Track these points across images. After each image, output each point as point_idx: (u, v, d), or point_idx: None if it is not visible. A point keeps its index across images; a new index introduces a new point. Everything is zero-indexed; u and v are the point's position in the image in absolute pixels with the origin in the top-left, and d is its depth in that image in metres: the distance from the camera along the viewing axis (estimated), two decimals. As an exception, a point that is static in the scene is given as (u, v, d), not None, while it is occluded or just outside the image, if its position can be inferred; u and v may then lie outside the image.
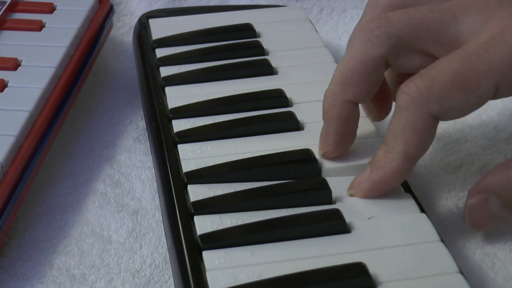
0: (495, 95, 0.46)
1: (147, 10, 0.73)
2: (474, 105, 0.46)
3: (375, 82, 0.49)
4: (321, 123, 0.51)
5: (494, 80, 0.45)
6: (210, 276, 0.42)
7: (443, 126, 0.59)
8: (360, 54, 0.48)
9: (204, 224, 0.46)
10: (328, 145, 0.50)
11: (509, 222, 0.50)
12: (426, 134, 0.46)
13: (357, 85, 0.49)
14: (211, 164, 0.50)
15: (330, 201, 0.47)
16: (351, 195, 0.48)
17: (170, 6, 0.77)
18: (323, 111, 0.50)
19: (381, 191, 0.47)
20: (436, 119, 0.46)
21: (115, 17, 0.73)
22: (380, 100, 0.54)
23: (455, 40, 0.47)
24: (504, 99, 0.61)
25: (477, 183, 0.47)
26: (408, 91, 0.45)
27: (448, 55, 0.46)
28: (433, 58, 0.48)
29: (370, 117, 0.54)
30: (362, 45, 0.48)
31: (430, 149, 0.57)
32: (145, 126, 0.60)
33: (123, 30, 0.75)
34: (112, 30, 0.71)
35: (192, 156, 0.51)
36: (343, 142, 0.50)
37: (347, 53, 0.49)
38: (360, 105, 0.51)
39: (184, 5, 0.77)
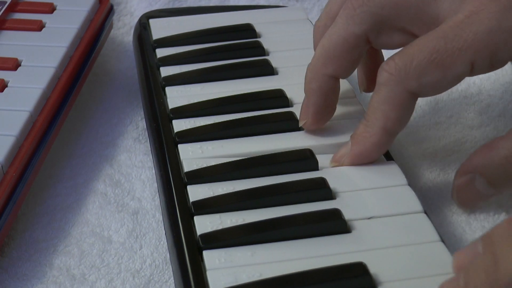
0: (471, 72, 0.48)
1: (147, 10, 0.73)
2: (451, 82, 0.48)
3: (356, 59, 0.51)
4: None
5: (469, 57, 0.47)
6: (210, 276, 0.42)
7: (443, 127, 0.59)
8: (343, 31, 0.51)
9: (204, 224, 0.46)
10: (308, 116, 0.52)
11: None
12: (404, 109, 0.48)
13: (338, 60, 0.51)
14: (212, 164, 0.50)
15: (330, 199, 0.47)
16: (332, 166, 0.50)
17: (170, 6, 0.77)
18: (304, 84, 0.52)
19: (362, 163, 0.50)
20: (414, 95, 0.48)
21: (115, 17, 0.73)
22: (372, 73, 0.56)
23: (435, 19, 0.49)
24: (504, 100, 0.61)
25: (463, 164, 0.49)
26: (388, 68, 0.48)
27: (427, 34, 0.48)
28: (413, 36, 0.50)
29: (360, 88, 0.58)
30: (344, 22, 0.51)
31: (430, 149, 0.57)
32: (145, 126, 0.60)
33: (123, 30, 0.75)
34: (112, 30, 0.71)
35: (193, 156, 0.51)
36: (322, 114, 0.52)
37: (330, 29, 0.51)
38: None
39: (184, 5, 0.77)
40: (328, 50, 0.51)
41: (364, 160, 0.50)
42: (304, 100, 0.53)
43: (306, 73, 0.52)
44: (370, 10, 0.50)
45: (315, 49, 0.55)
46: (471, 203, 0.50)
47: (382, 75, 0.48)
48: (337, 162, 0.50)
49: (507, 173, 0.48)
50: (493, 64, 0.48)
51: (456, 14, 0.48)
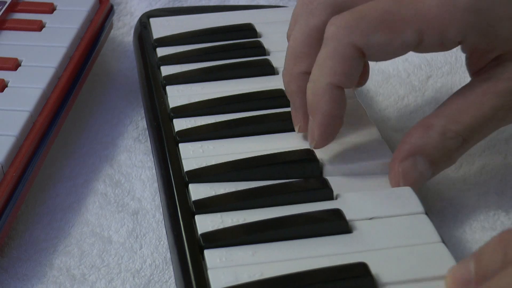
0: (420, 46, 0.47)
1: (147, 10, 0.73)
2: (398, 49, 0.47)
3: None
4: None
5: (418, 26, 0.47)
6: (211, 275, 0.42)
7: (443, 127, 0.59)
8: (305, 27, 0.51)
9: (205, 223, 0.46)
10: (300, 120, 0.51)
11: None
12: (350, 63, 0.47)
13: (308, 56, 0.50)
14: (213, 163, 0.50)
15: (331, 200, 0.47)
16: (314, 147, 0.49)
17: (170, 6, 0.77)
18: (285, 88, 0.52)
19: (333, 129, 0.49)
20: (360, 52, 0.47)
21: (115, 17, 0.73)
22: None
23: None
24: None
25: (402, 149, 0.49)
26: (336, 22, 0.48)
27: None
28: None
29: None
30: (304, 18, 0.51)
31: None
32: (145, 126, 0.60)
33: (123, 30, 0.75)
34: (112, 30, 0.71)
35: (194, 155, 0.51)
36: None
37: (294, 29, 0.51)
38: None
39: (185, 5, 0.77)
40: (295, 49, 0.51)
41: (331, 124, 0.48)
42: (291, 106, 0.52)
43: (282, 78, 0.52)
44: (325, 1, 0.50)
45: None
46: (415, 185, 0.49)
47: (330, 29, 0.48)
48: (313, 141, 0.49)
49: (445, 149, 0.48)
50: (443, 42, 0.47)
51: None
